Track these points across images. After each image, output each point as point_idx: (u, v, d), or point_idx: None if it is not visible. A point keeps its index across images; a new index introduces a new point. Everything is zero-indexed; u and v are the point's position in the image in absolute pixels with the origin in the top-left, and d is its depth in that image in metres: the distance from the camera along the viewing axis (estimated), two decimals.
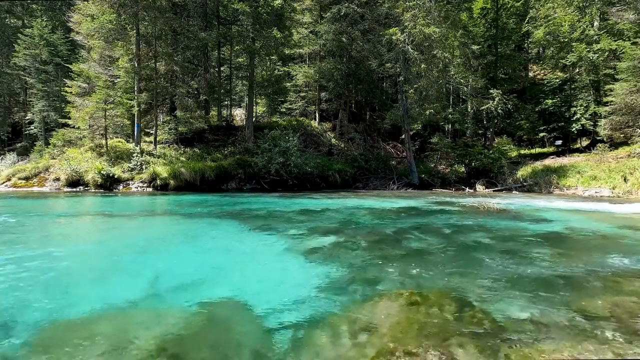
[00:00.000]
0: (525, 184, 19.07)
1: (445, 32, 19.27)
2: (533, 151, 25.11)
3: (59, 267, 5.03)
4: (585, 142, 23.42)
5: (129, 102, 19.15)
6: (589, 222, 9.04)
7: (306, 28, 25.84)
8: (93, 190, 16.47)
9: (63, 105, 23.76)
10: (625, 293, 3.97)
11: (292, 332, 3.10)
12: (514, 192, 18.47)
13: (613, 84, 19.06)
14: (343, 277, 4.58)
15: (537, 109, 23.28)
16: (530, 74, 30.39)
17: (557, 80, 23.36)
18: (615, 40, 20.18)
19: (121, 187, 17.00)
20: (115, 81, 19.68)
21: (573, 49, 21.28)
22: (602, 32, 21.17)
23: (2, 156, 24.11)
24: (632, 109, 18.10)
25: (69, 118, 20.32)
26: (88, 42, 21.50)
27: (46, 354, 2.75)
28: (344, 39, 23.28)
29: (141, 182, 17.16)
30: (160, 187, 16.86)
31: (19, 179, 18.25)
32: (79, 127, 20.11)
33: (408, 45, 20.05)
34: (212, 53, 23.99)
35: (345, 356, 2.74)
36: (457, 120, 23.90)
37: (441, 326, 3.18)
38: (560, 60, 22.85)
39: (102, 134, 19.56)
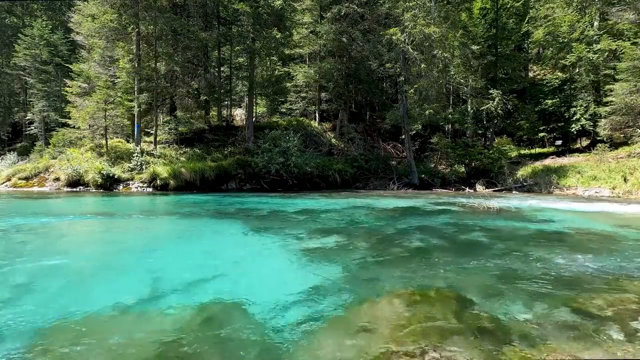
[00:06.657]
0: (525, 184, 19.06)
1: (445, 32, 19.27)
2: (533, 151, 25.10)
3: (58, 269, 5.03)
4: (585, 142, 23.42)
5: (129, 102, 19.14)
6: (589, 222, 9.05)
7: (306, 28, 25.83)
8: (93, 191, 16.47)
9: (63, 105, 23.73)
10: (626, 293, 3.97)
11: (292, 332, 3.10)
12: (514, 192, 18.46)
13: (613, 84, 19.05)
14: (343, 276, 4.59)
15: (537, 109, 23.27)
16: (530, 74, 30.37)
17: (557, 81, 23.34)
18: (615, 41, 20.17)
19: (121, 187, 17.00)
20: (116, 81, 19.65)
21: (573, 49, 21.29)
22: (602, 32, 21.16)
23: (2, 156, 24.10)
24: (632, 109, 18.09)
25: (69, 118, 20.29)
26: (88, 42, 21.48)
27: (47, 355, 2.75)
28: (344, 39, 23.29)
29: (141, 182, 17.16)
30: (160, 187, 16.86)
31: (19, 179, 18.25)
32: (79, 127, 20.08)
33: (408, 45, 20.06)
34: (212, 53, 23.99)
35: (345, 356, 2.75)
36: (457, 120, 23.90)
37: (441, 326, 3.18)
38: (560, 61, 22.85)
39: (102, 134, 19.56)
